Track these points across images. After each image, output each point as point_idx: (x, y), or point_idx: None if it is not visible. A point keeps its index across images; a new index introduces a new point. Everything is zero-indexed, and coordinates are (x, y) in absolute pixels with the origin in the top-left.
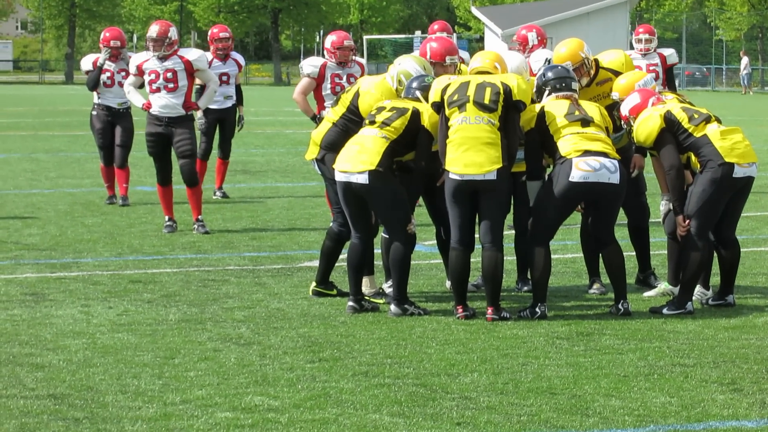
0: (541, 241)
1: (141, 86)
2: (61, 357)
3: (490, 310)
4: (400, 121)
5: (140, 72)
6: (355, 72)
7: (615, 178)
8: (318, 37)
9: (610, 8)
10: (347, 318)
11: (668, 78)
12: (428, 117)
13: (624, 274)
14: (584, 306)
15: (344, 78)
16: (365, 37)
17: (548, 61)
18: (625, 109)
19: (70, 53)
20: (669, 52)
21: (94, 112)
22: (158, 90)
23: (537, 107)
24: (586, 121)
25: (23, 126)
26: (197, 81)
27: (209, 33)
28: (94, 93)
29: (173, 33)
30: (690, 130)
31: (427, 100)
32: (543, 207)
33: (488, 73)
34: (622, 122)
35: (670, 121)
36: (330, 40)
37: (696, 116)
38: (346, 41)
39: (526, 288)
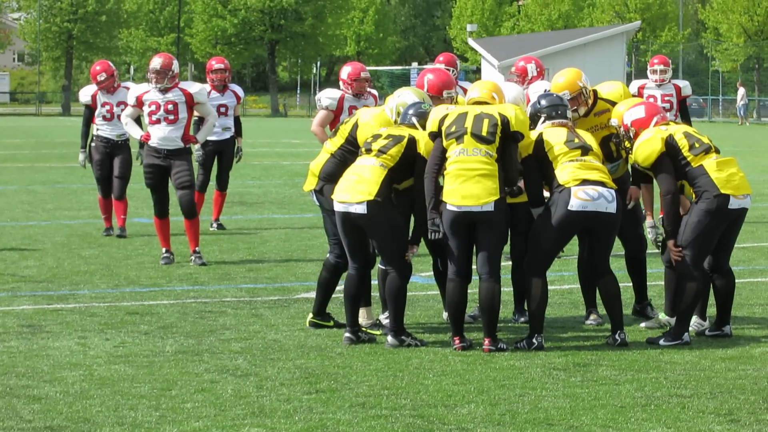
0: (538, 271)
1: (137, 118)
2: (58, 389)
3: (487, 341)
4: (396, 149)
5: (139, 103)
6: (369, 103)
7: (612, 208)
8: (315, 68)
9: (607, 39)
10: (344, 349)
11: (682, 109)
12: (424, 144)
13: (620, 305)
14: (581, 337)
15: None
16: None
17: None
18: (627, 119)
19: (67, 85)
20: (684, 84)
21: (93, 144)
22: (158, 121)
23: (534, 134)
24: (585, 149)
25: (20, 158)
26: (195, 113)
27: (206, 65)
28: (93, 125)
29: (176, 66)
30: (688, 159)
31: (423, 127)
32: (540, 236)
33: (486, 103)
34: (621, 131)
35: (670, 146)
36: (346, 71)
37: (697, 145)
38: (362, 73)
39: (522, 319)
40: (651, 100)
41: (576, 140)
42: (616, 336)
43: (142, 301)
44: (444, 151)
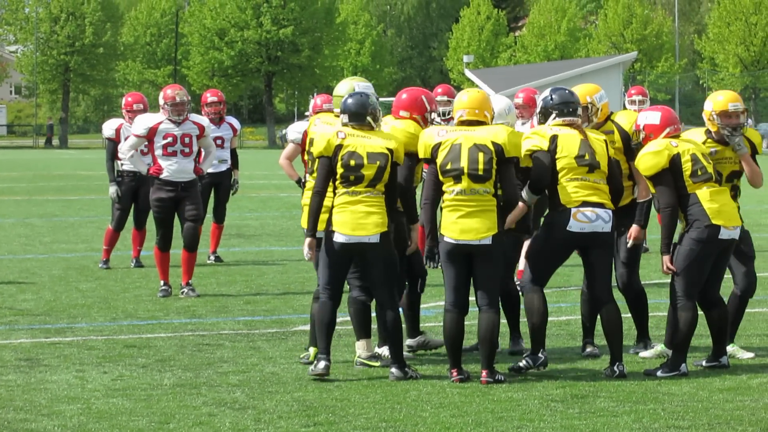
0: (535, 287)
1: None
2: (56, 422)
3: (484, 373)
4: (386, 174)
5: (152, 134)
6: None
7: (608, 228)
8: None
9: (604, 70)
10: (342, 382)
11: None
12: (399, 155)
13: (620, 335)
14: (579, 368)
15: None
16: None
17: None
18: (641, 120)
19: (64, 117)
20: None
21: (119, 178)
22: (174, 154)
23: (547, 131)
24: (592, 167)
25: (17, 191)
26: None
27: (201, 97)
28: (116, 161)
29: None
30: (686, 184)
31: (376, 119)
32: (538, 254)
33: (478, 123)
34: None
35: (675, 165)
36: (312, 103)
37: (700, 173)
38: (325, 105)
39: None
40: None
41: (586, 156)
42: (615, 368)
43: (140, 334)
44: (439, 181)
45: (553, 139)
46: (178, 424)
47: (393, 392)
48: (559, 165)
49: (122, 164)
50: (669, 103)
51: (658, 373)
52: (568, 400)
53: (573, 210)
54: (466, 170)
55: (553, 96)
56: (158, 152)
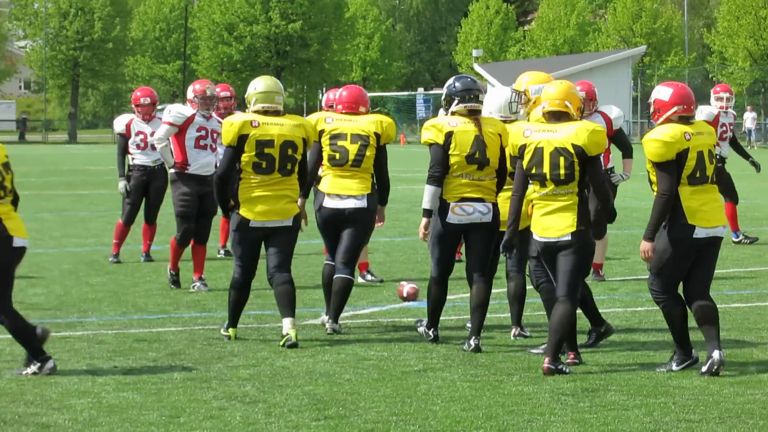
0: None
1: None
2: (66, 416)
3: (547, 360)
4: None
5: (186, 124)
6: None
7: (487, 218)
8: (321, 94)
9: (613, 64)
10: (352, 376)
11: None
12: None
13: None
14: (589, 362)
15: None
16: (368, 94)
17: None
18: (654, 94)
19: (73, 113)
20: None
21: (130, 173)
22: (204, 147)
23: (446, 123)
24: (482, 165)
25: (27, 185)
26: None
27: None
28: (128, 155)
29: None
30: (680, 181)
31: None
32: (432, 245)
33: (562, 114)
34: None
35: (680, 159)
36: (325, 97)
37: (698, 175)
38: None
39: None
40: None
41: (477, 154)
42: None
43: (150, 328)
44: (526, 178)
45: (449, 135)
46: (189, 417)
47: (403, 386)
48: (451, 160)
49: (133, 159)
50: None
51: (673, 367)
52: (578, 394)
53: (452, 204)
54: (548, 176)
55: (457, 83)
56: (189, 143)
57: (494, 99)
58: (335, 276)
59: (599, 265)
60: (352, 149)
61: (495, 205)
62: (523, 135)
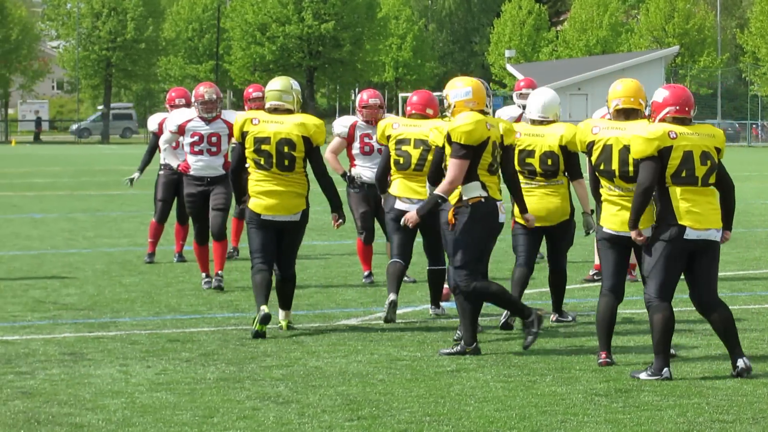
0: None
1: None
2: (100, 416)
3: (603, 354)
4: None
5: (181, 131)
6: None
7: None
8: (353, 94)
9: (646, 64)
10: (385, 376)
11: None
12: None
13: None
14: (622, 362)
15: (374, 137)
16: (400, 94)
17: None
18: (653, 97)
19: (106, 113)
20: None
21: (161, 171)
22: (200, 152)
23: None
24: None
25: (60, 186)
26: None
27: (244, 92)
28: (159, 153)
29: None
30: (666, 181)
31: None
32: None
33: (632, 111)
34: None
35: (662, 157)
36: (358, 98)
37: (684, 174)
38: (371, 99)
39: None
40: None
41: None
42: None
43: (183, 329)
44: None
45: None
46: (222, 418)
47: (437, 386)
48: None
49: (164, 158)
50: (711, 98)
51: (641, 376)
52: (612, 394)
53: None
54: (617, 173)
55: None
56: (186, 149)
57: (535, 99)
58: (433, 268)
59: (633, 266)
60: (415, 154)
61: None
62: (591, 132)
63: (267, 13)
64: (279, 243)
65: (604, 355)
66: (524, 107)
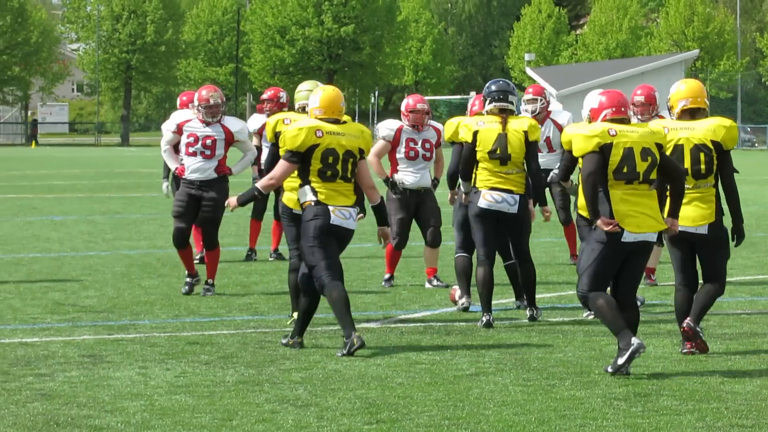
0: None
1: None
2: (119, 419)
3: (689, 345)
4: None
5: (179, 131)
6: (430, 137)
7: (513, 209)
8: (373, 98)
9: (665, 68)
10: (404, 379)
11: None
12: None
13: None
14: (641, 366)
15: (419, 143)
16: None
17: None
18: (588, 103)
19: (125, 115)
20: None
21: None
22: (194, 154)
23: (473, 124)
24: (504, 160)
25: (80, 188)
26: (254, 142)
27: (262, 95)
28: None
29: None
30: (609, 180)
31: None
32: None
33: (699, 110)
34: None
35: (603, 153)
36: (405, 102)
37: (625, 170)
38: (419, 104)
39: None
40: None
41: (498, 150)
42: (529, 310)
43: (203, 331)
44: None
45: (475, 135)
46: (241, 420)
47: (455, 390)
48: (477, 156)
49: (181, 160)
50: (731, 102)
51: (619, 361)
52: (631, 399)
53: (483, 191)
54: (690, 171)
55: (492, 86)
56: (182, 150)
57: (596, 99)
58: (523, 265)
59: (652, 269)
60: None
61: (523, 196)
62: (665, 131)
63: (287, 16)
64: None
65: (689, 346)
66: (532, 112)
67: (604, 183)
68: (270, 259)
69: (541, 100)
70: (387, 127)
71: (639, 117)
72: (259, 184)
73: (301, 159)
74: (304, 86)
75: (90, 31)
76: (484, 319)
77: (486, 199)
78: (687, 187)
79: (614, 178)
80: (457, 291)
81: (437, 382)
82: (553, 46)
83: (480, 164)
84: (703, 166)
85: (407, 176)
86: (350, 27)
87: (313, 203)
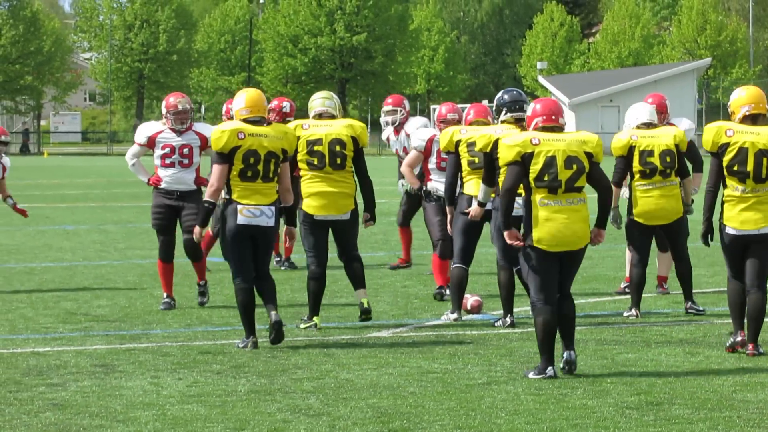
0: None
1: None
2: (131, 429)
3: (751, 347)
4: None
5: (150, 143)
6: None
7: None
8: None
9: (678, 76)
10: (416, 388)
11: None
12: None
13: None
14: (653, 375)
15: None
16: (432, 106)
17: None
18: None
19: (138, 124)
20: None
21: None
22: (172, 165)
23: (494, 133)
24: None
25: (92, 197)
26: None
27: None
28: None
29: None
30: (531, 185)
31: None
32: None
33: (762, 115)
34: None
35: (524, 162)
36: (437, 111)
37: (547, 178)
38: (450, 114)
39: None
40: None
41: None
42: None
43: (215, 341)
44: (723, 174)
45: (495, 143)
46: (253, 430)
47: (467, 399)
48: (499, 162)
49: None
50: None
51: (530, 375)
52: (643, 408)
53: None
54: (752, 174)
55: (505, 96)
56: (157, 162)
57: (641, 108)
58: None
59: (664, 278)
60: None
61: None
62: (725, 134)
63: (299, 25)
64: (337, 239)
65: (752, 347)
66: (392, 123)
67: (527, 197)
68: (282, 268)
69: (400, 111)
70: (419, 137)
71: None
72: (206, 195)
73: (226, 159)
74: (320, 94)
75: (102, 40)
76: (508, 320)
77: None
78: (745, 191)
79: (536, 186)
80: (469, 300)
81: (449, 391)
82: (565, 55)
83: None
84: (765, 171)
85: (441, 185)
86: (362, 36)
87: (226, 200)
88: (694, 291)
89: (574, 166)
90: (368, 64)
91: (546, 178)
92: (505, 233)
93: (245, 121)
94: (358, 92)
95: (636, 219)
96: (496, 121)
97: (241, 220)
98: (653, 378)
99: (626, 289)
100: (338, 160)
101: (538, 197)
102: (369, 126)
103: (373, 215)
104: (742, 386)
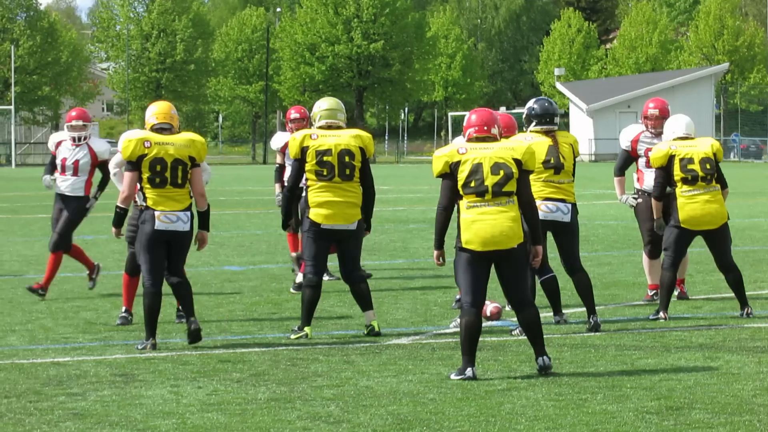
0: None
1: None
2: None
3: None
4: None
5: (55, 150)
6: None
7: (566, 218)
8: (403, 114)
9: (695, 82)
10: (436, 395)
11: None
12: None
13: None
14: (673, 380)
15: None
16: (450, 113)
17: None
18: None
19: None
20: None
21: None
22: (63, 172)
23: (523, 139)
24: (558, 169)
25: (110, 207)
26: (278, 159)
27: (285, 113)
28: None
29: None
30: (461, 192)
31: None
32: None
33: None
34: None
35: (452, 171)
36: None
37: (473, 184)
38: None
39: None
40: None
41: (552, 160)
42: (590, 319)
43: (234, 349)
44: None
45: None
46: None
47: (487, 405)
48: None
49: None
50: (761, 115)
51: (451, 376)
52: (663, 412)
53: (538, 202)
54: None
55: (535, 106)
56: (59, 168)
57: (678, 120)
58: (576, 274)
59: (681, 280)
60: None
61: (574, 205)
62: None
63: (316, 33)
64: (341, 252)
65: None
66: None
67: (459, 196)
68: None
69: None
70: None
71: (652, 130)
72: (117, 201)
73: (135, 167)
74: (329, 104)
75: (120, 50)
76: (555, 319)
77: (541, 210)
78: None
79: (464, 192)
80: (488, 306)
81: (469, 397)
82: (582, 61)
83: (532, 176)
84: None
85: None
86: (380, 43)
87: (143, 207)
88: (705, 297)
89: (501, 172)
90: (385, 71)
91: (473, 185)
92: (435, 252)
93: (153, 128)
94: (376, 100)
95: (682, 225)
96: (525, 129)
97: (158, 225)
98: (673, 383)
99: (654, 297)
100: (347, 171)
101: (465, 202)
102: (386, 134)
103: (368, 225)
104: (762, 390)
